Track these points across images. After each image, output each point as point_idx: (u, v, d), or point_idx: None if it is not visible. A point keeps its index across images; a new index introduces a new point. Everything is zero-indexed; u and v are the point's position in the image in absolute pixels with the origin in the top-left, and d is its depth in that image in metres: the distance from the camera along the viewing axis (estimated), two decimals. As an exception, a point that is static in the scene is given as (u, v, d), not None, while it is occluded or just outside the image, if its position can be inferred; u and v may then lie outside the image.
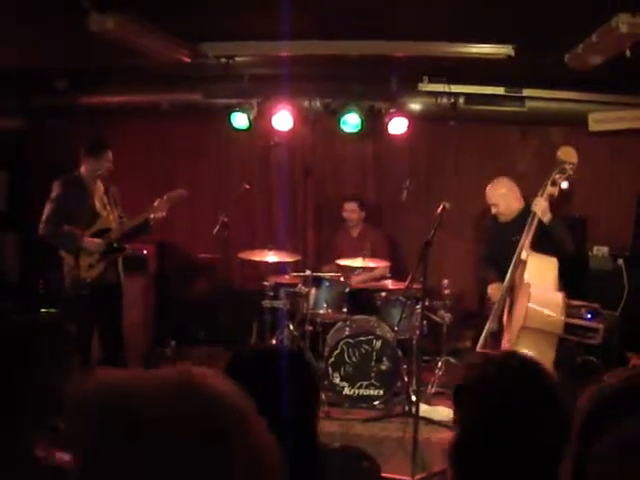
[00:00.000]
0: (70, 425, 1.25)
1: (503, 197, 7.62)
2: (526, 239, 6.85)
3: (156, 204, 7.70)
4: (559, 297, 6.61)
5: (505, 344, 6.60)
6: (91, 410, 1.18)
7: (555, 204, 7.11)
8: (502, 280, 7.25)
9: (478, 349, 6.81)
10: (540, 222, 6.92)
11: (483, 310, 8.23)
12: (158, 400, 1.18)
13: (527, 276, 6.70)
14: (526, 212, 7.40)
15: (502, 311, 6.85)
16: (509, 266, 7.17)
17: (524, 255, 6.80)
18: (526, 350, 6.21)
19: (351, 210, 9.83)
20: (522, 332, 6.41)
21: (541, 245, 6.93)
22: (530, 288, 6.51)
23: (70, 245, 7.34)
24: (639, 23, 5.79)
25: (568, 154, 7.03)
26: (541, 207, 6.90)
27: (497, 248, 7.69)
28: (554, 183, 7.00)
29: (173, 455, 1.13)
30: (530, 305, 6.43)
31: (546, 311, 6.51)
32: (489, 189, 7.73)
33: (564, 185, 7.16)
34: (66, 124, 10.29)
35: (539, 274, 6.71)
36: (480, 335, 7.71)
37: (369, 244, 9.32)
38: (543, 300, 6.55)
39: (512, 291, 6.88)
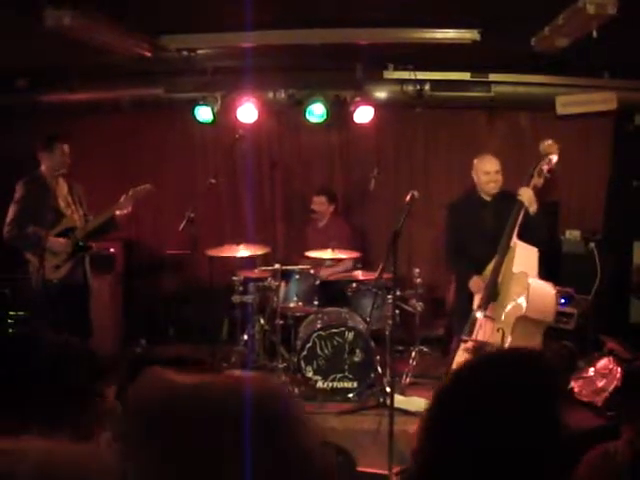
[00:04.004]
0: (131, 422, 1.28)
1: (500, 172, 7.50)
2: (514, 227, 6.82)
3: (121, 200, 7.61)
4: (552, 288, 6.72)
5: (493, 332, 6.55)
6: (156, 411, 1.25)
7: (538, 194, 7.07)
8: (475, 268, 7.20)
9: (465, 337, 6.76)
10: (525, 211, 6.89)
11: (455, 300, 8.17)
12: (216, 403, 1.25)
13: (516, 265, 6.69)
14: (501, 197, 7.34)
15: (489, 299, 6.80)
16: (480, 250, 7.12)
17: (512, 243, 6.77)
18: (519, 337, 6.43)
19: (320, 203, 9.76)
20: (519, 321, 6.47)
21: (518, 232, 6.91)
22: (528, 279, 6.56)
23: (35, 246, 7.23)
24: (606, 3, 5.74)
25: (551, 147, 7.06)
26: (529, 197, 6.90)
27: (467, 231, 7.56)
28: (540, 174, 6.99)
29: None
30: (531, 296, 6.47)
31: (543, 302, 6.60)
32: (490, 158, 7.50)
33: (547, 176, 7.12)
34: (28, 123, 10.12)
35: (526, 263, 6.72)
36: (452, 324, 7.70)
37: (336, 235, 9.24)
38: (541, 291, 6.62)
39: (497, 279, 6.82)
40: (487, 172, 7.45)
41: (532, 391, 1.83)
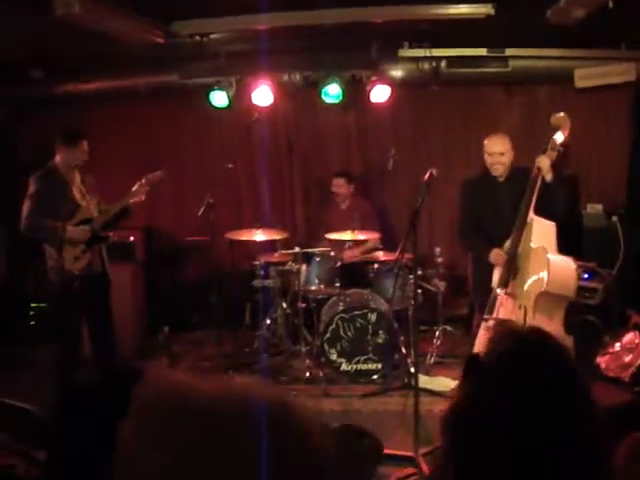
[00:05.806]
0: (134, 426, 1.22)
1: (509, 152, 7.42)
2: (532, 196, 6.71)
3: (134, 189, 7.54)
4: (572, 262, 6.61)
5: (514, 310, 6.48)
6: (157, 415, 1.21)
7: (554, 168, 6.96)
8: (491, 245, 7.12)
9: (486, 315, 6.70)
10: (542, 181, 6.78)
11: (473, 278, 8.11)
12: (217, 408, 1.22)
13: (534, 241, 6.60)
14: (515, 175, 7.27)
15: (508, 275, 6.72)
16: (496, 229, 7.05)
17: (529, 218, 6.68)
18: (542, 313, 6.35)
19: (339, 185, 9.70)
20: (541, 297, 6.38)
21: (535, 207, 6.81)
22: (547, 254, 6.46)
23: (53, 238, 7.18)
24: (622, -28, 5.66)
25: (561, 120, 6.92)
26: (546, 164, 6.76)
27: (482, 210, 7.50)
28: (553, 147, 6.88)
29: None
30: (551, 271, 6.38)
31: (564, 276, 6.50)
32: (497, 139, 7.43)
33: (560, 149, 7.02)
34: (43, 114, 10.12)
35: (544, 238, 6.62)
36: (474, 301, 7.64)
37: (358, 216, 9.16)
38: (561, 265, 6.53)
39: (515, 255, 6.74)
40: (490, 153, 7.38)
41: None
